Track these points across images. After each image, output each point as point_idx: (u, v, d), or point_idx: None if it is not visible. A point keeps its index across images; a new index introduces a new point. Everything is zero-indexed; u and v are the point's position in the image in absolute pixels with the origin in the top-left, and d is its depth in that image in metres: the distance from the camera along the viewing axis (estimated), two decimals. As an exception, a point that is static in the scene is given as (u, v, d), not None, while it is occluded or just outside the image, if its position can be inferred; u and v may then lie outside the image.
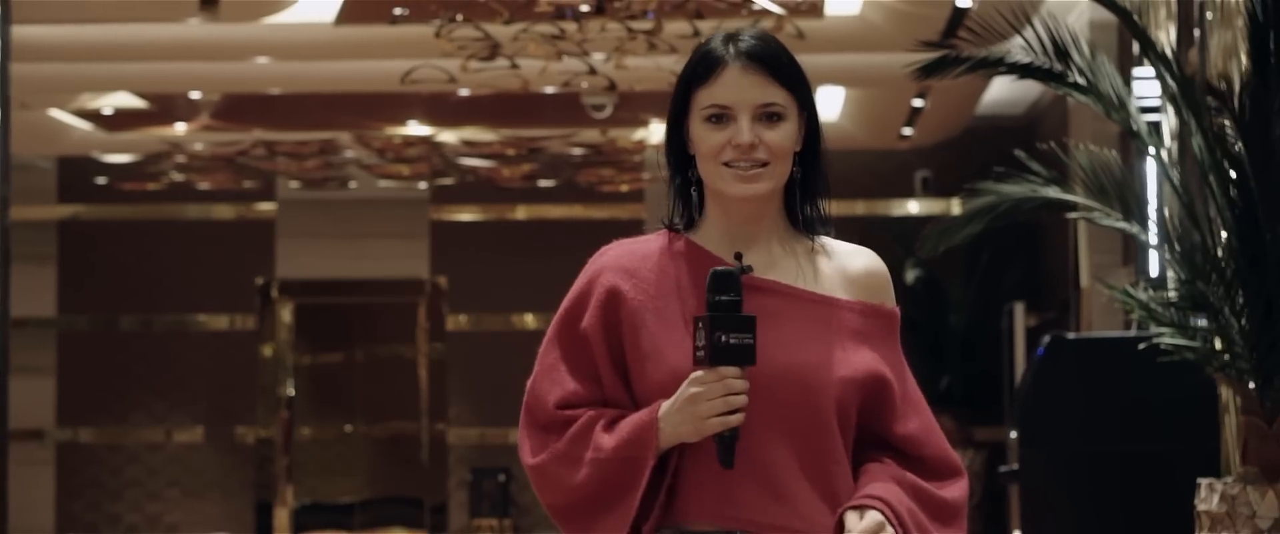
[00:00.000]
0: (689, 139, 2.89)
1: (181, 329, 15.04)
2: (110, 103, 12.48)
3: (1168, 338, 5.35)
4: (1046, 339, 7.73)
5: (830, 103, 12.78)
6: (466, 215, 15.06)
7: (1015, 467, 7.98)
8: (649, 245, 2.93)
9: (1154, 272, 7.72)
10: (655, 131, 12.17)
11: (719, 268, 2.75)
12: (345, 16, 9.99)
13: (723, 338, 2.71)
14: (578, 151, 13.15)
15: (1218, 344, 5.29)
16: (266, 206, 14.94)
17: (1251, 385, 5.20)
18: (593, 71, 9.77)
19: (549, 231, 14.70)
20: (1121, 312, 7.20)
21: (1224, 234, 5.24)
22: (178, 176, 14.08)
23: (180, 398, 15.04)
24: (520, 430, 2.91)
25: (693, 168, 2.91)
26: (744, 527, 2.79)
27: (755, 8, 8.88)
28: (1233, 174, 5.18)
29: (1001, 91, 12.52)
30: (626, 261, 2.91)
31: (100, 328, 15.03)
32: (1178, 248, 5.43)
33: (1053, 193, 5.66)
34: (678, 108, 2.90)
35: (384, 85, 11.09)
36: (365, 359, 15.25)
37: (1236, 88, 5.23)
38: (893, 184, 14.43)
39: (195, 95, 12.18)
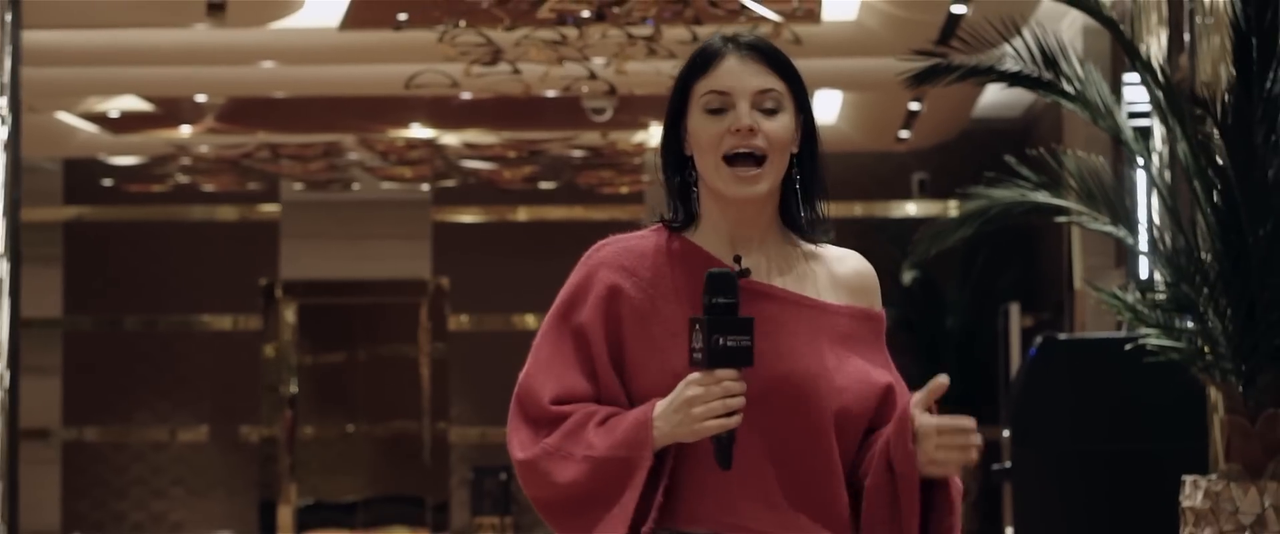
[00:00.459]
0: (686, 138, 2.88)
1: (186, 329, 15.09)
2: (116, 106, 12.53)
3: (1154, 339, 5.41)
4: (1038, 340, 7.80)
5: (828, 106, 12.82)
6: (468, 217, 15.10)
7: (1008, 465, 8.00)
8: (645, 242, 2.90)
9: (1144, 274, 7.77)
10: (655, 134, 12.19)
11: (715, 270, 2.72)
12: (350, 22, 10.03)
13: (720, 340, 2.67)
14: (578, 154, 13.22)
15: (1202, 345, 5.35)
16: (270, 208, 14.97)
17: (1235, 385, 5.27)
18: (593, 76, 9.86)
19: (550, 233, 14.74)
20: (1113, 313, 7.29)
21: (1208, 238, 5.30)
22: (183, 178, 14.12)
23: (185, 397, 15.09)
24: (510, 423, 2.86)
25: (691, 168, 2.89)
26: (739, 533, 2.77)
27: (753, 14, 9.00)
28: (1216, 180, 5.24)
29: (997, 95, 12.57)
30: (624, 259, 2.88)
31: (105, 328, 15.07)
32: (1164, 251, 5.52)
33: (1042, 197, 5.72)
34: (676, 105, 2.88)
35: (388, 89, 11.15)
36: (368, 359, 15.29)
37: (1221, 95, 5.29)
38: (890, 186, 14.47)
39: (201, 98, 12.22)
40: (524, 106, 11.77)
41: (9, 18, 7.62)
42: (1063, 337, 8.69)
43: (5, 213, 7.65)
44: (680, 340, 2.76)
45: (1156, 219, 5.68)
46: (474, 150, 13.26)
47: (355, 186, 14.63)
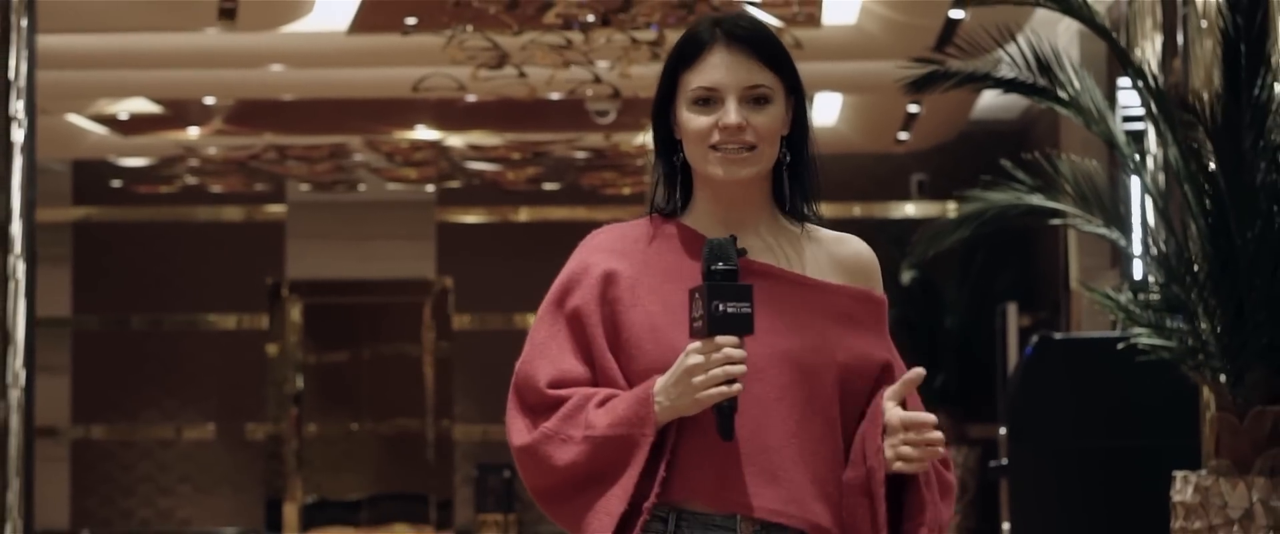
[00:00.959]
0: (675, 123, 2.83)
1: (193, 328, 15.12)
2: (126, 108, 12.56)
3: (1145, 338, 5.50)
4: (1034, 339, 7.85)
5: (828, 108, 12.86)
6: (472, 217, 15.13)
7: (1005, 461, 8.06)
8: (639, 229, 2.86)
9: (1138, 275, 7.81)
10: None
11: (715, 238, 2.68)
12: (358, 26, 10.05)
13: (720, 306, 2.62)
14: (581, 156, 13.25)
15: (1192, 344, 5.43)
16: (277, 209, 15.00)
17: (1224, 382, 5.36)
18: (597, 80, 9.92)
19: (553, 233, 14.72)
20: (1108, 313, 7.36)
21: (1199, 241, 5.38)
22: (191, 179, 14.12)
23: (191, 396, 15.14)
24: (508, 412, 2.81)
25: (679, 152, 2.84)
26: (739, 509, 2.72)
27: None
28: (1206, 184, 5.31)
29: (995, 97, 12.53)
30: (618, 245, 2.84)
31: (113, 327, 15.11)
32: (1156, 253, 5.61)
33: (1037, 200, 5.79)
34: (664, 92, 2.83)
35: (394, 92, 11.20)
36: (372, 358, 15.30)
37: (1209, 101, 5.35)
38: (889, 187, 14.50)
39: (209, 101, 12.26)
40: (528, 109, 11.81)
41: (24, 23, 7.70)
42: (1058, 336, 8.72)
43: (21, 214, 7.74)
44: (676, 320, 2.72)
45: (1150, 221, 5.78)
46: (478, 152, 13.29)
47: (361, 187, 14.66)
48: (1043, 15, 9.42)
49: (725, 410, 2.66)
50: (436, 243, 15.00)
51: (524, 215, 15.06)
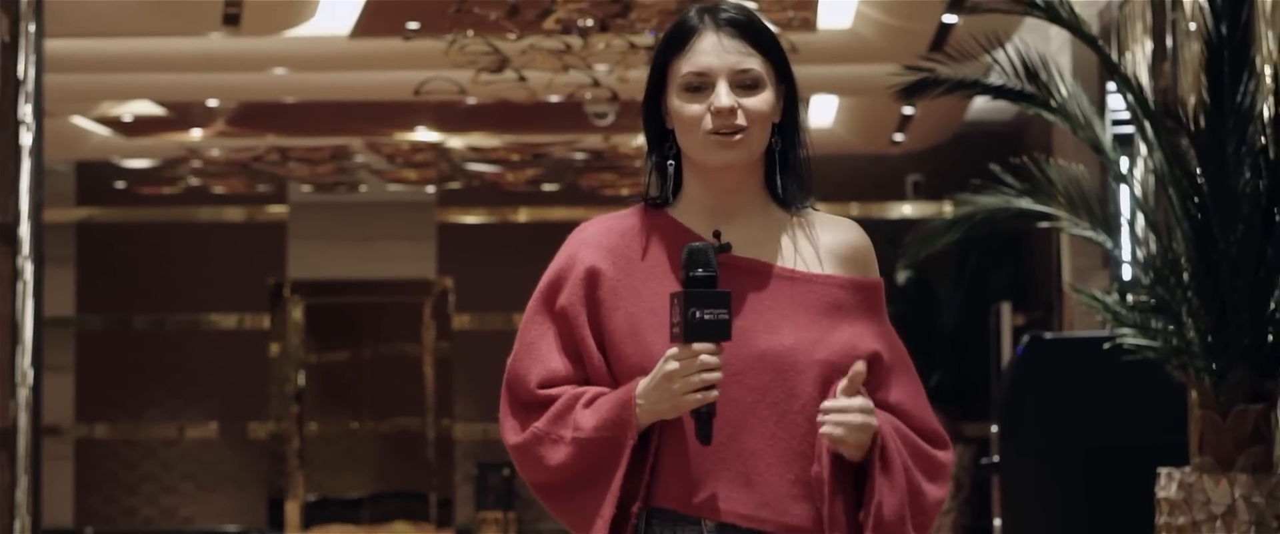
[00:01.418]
0: (666, 113, 2.82)
1: (195, 328, 15.17)
2: (130, 110, 12.59)
3: (1131, 338, 5.58)
4: (1025, 339, 7.90)
5: (824, 110, 12.91)
6: (472, 218, 15.18)
7: (996, 459, 8.08)
8: (627, 221, 2.86)
9: (1126, 277, 7.86)
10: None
11: (694, 244, 2.67)
12: (361, 30, 10.10)
13: (696, 314, 2.62)
14: (580, 157, 13.27)
15: (1177, 344, 5.50)
16: (278, 209, 15.06)
17: (1207, 382, 5.44)
18: (596, 83, 9.97)
19: (552, 233, 14.51)
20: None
21: (1183, 243, 5.46)
22: (193, 181, 14.14)
23: (194, 395, 15.18)
24: (502, 410, 2.82)
25: (670, 142, 2.84)
26: (708, 514, 2.72)
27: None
28: (1190, 188, 5.39)
29: (989, 100, 12.62)
30: (606, 240, 2.83)
31: (117, 327, 15.15)
32: (1141, 255, 5.70)
33: (1026, 203, 5.89)
34: (655, 81, 2.83)
35: (395, 94, 11.23)
36: (373, 357, 15.35)
37: (1193, 107, 5.44)
38: (885, 187, 14.55)
39: (212, 103, 12.29)
40: (528, 111, 11.83)
41: (32, 28, 7.77)
42: (1049, 335, 8.73)
43: (30, 215, 7.81)
44: (657, 322, 2.72)
45: (1137, 224, 5.87)
46: (478, 153, 13.31)
47: (362, 188, 14.69)
48: (1035, 21, 9.52)
49: (703, 415, 2.67)
50: (437, 243, 15.06)
51: (523, 216, 15.10)
